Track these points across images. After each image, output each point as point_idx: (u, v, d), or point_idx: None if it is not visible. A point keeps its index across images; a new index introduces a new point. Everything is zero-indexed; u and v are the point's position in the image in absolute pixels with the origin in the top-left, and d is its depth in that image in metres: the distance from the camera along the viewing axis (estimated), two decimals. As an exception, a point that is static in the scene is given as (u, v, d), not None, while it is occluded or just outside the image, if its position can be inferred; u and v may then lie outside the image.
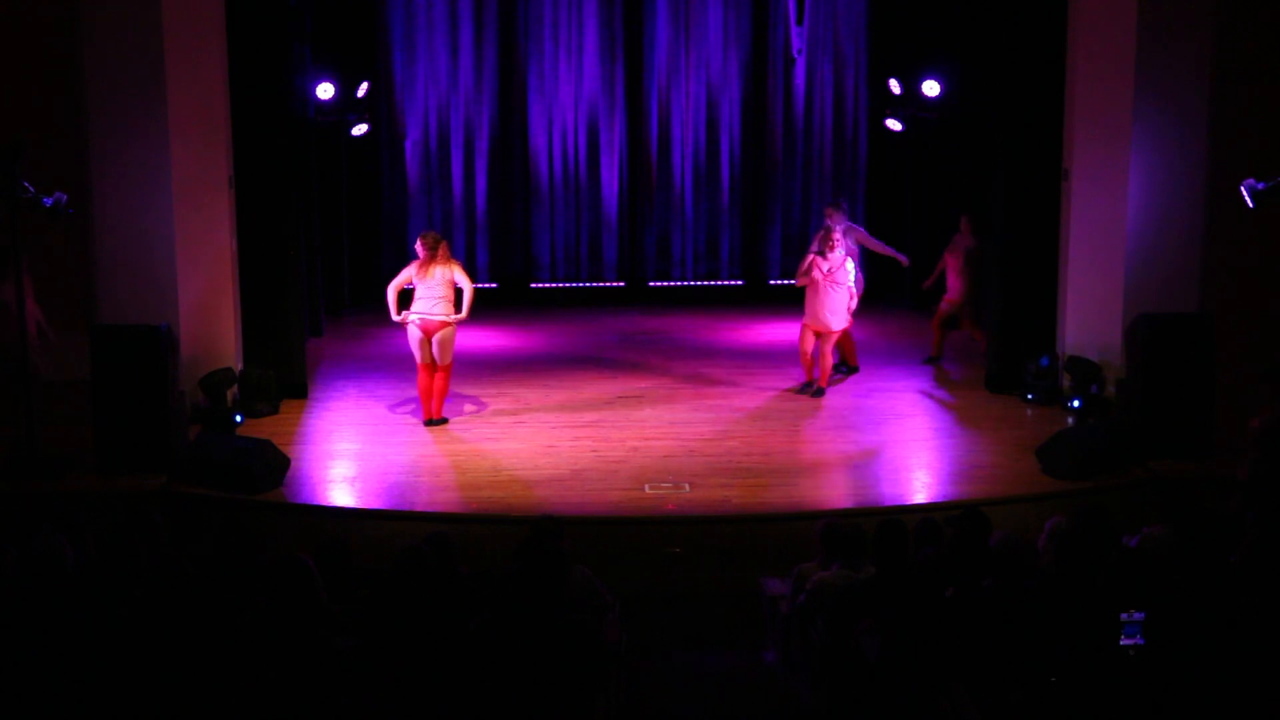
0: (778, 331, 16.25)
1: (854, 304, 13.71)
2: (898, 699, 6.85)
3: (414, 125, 18.17)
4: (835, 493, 11.44)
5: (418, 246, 12.84)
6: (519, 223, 18.35)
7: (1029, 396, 13.54)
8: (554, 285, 18.43)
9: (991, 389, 13.92)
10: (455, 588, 7.41)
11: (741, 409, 13.51)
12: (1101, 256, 13.08)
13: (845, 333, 13.99)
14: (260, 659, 6.46)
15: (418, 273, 12.77)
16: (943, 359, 15.07)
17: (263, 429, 12.67)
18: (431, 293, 12.70)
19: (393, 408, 13.49)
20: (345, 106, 16.48)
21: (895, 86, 17.04)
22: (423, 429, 12.88)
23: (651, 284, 18.54)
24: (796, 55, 18.13)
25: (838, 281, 13.46)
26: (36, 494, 11.02)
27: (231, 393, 13.10)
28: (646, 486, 11.49)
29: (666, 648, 9.68)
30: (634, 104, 18.23)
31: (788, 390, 13.97)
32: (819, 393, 13.73)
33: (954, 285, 14.90)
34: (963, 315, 14.93)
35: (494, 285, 18.33)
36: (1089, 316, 13.27)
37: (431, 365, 12.81)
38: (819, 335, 13.65)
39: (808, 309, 13.60)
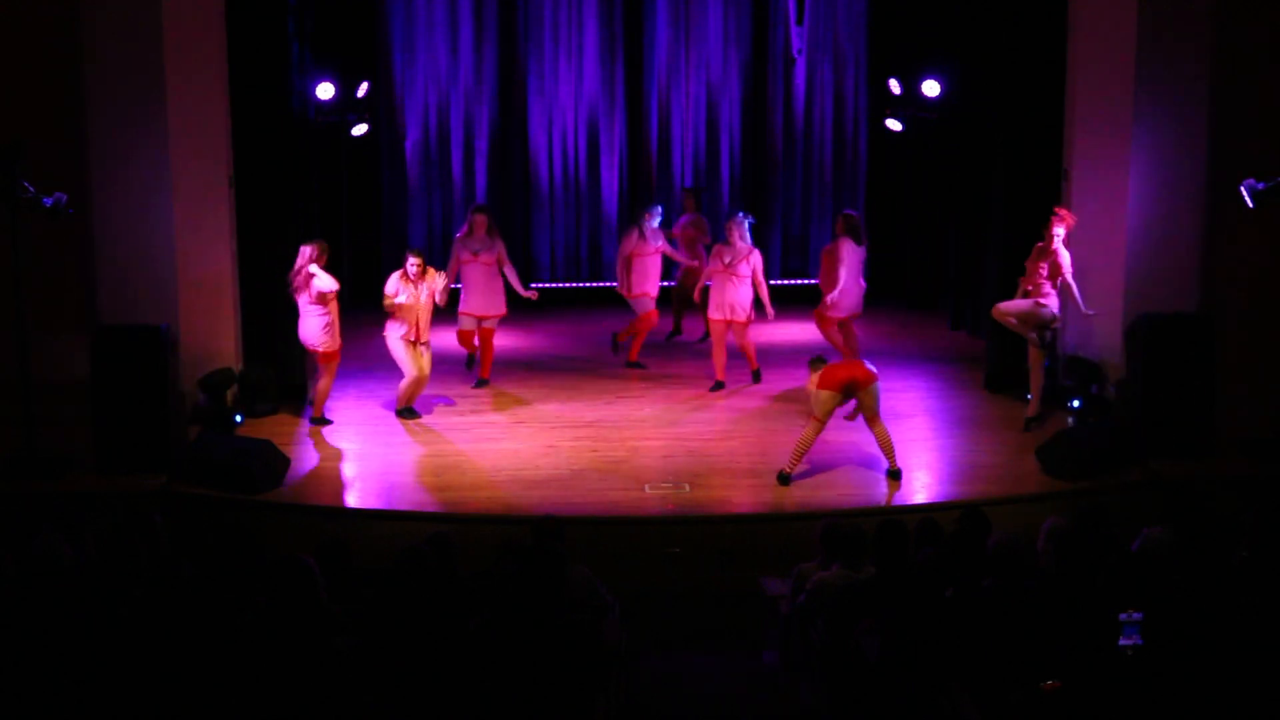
0: (778, 332, 16.22)
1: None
2: (898, 699, 6.85)
3: (414, 125, 18.17)
4: (835, 493, 11.44)
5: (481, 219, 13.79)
6: (519, 223, 18.34)
7: (1029, 396, 13.53)
8: (554, 285, 18.42)
9: (991, 389, 13.92)
10: (455, 588, 7.41)
11: (741, 409, 13.51)
12: (1101, 256, 13.08)
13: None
14: (260, 659, 6.46)
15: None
16: (680, 335, 16.00)
17: (263, 429, 12.67)
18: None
19: (392, 408, 13.48)
20: (345, 106, 16.47)
21: (895, 86, 17.04)
22: (423, 429, 12.91)
23: (651, 284, 18.52)
24: (796, 55, 18.13)
25: (738, 274, 13.74)
26: (36, 494, 11.02)
27: (231, 393, 13.10)
28: (646, 486, 11.49)
29: (666, 648, 9.68)
30: (634, 104, 18.23)
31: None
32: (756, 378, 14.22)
33: (688, 259, 15.67)
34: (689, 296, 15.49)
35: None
36: (1089, 316, 13.26)
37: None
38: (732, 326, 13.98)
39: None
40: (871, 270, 18.36)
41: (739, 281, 13.69)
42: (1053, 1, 13.27)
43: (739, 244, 13.71)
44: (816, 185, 18.61)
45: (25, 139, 11.17)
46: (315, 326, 12.59)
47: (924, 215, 17.70)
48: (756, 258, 13.76)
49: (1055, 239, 12.32)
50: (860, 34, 18.18)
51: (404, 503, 11.32)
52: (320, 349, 12.67)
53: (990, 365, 14.09)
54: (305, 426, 13.00)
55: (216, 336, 13.17)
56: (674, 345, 15.74)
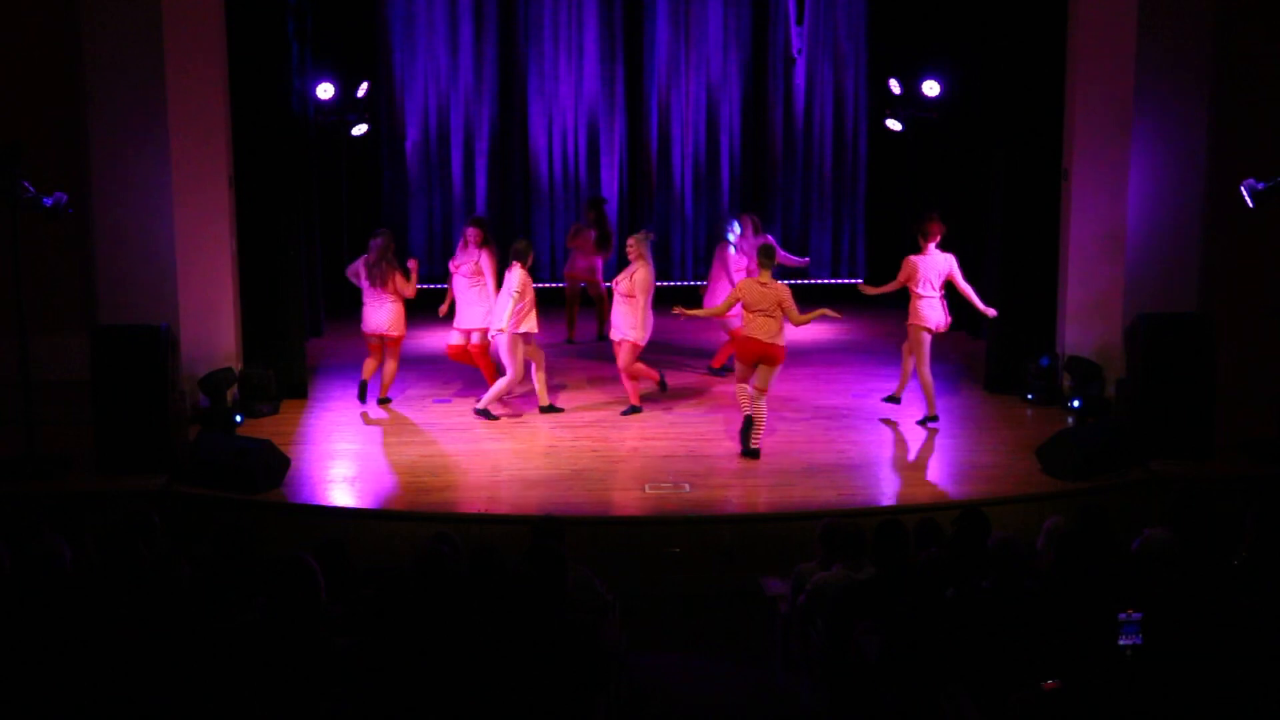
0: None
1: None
2: (898, 699, 6.85)
3: (414, 125, 18.18)
4: (835, 493, 11.42)
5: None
6: (519, 223, 18.35)
7: (1029, 396, 13.55)
8: (554, 285, 18.41)
9: (991, 389, 13.93)
10: (456, 588, 7.40)
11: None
12: (1101, 256, 13.08)
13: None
14: (260, 659, 6.46)
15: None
16: (573, 342, 16.32)
17: (263, 429, 12.67)
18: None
19: (392, 408, 13.48)
20: (345, 106, 16.49)
21: (895, 86, 17.05)
22: (422, 429, 12.91)
23: (651, 284, 18.53)
24: (796, 55, 18.15)
25: (627, 294, 12.97)
26: (36, 494, 11.01)
27: (231, 393, 13.10)
28: (646, 486, 11.49)
29: (666, 648, 9.68)
30: (634, 104, 18.24)
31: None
32: (634, 410, 13.36)
33: (580, 264, 16.20)
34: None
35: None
36: (1089, 316, 13.27)
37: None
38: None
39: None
40: (870, 270, 18.45)
41: (629, 303, 12.96)
42: (1052, 1, 13.28)
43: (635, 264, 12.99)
44: (816, 185, 18.61)
45: (25, 139, 11.16)
46: (390, 314, 13.19)
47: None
48: (640, 275, 12.86)
49: (928, 248, 12.41)
50: (860, 34, 18.19)
51: (404, 503, 11.32)
52: (396, 334, 13.30)
53: (990, 365, 14.09)
54: (305, 426, 13.01)
55: (216, 336, 13.18)
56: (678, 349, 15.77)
